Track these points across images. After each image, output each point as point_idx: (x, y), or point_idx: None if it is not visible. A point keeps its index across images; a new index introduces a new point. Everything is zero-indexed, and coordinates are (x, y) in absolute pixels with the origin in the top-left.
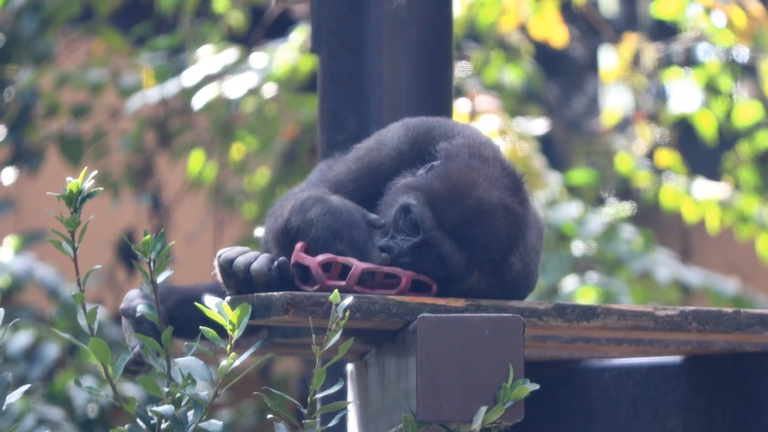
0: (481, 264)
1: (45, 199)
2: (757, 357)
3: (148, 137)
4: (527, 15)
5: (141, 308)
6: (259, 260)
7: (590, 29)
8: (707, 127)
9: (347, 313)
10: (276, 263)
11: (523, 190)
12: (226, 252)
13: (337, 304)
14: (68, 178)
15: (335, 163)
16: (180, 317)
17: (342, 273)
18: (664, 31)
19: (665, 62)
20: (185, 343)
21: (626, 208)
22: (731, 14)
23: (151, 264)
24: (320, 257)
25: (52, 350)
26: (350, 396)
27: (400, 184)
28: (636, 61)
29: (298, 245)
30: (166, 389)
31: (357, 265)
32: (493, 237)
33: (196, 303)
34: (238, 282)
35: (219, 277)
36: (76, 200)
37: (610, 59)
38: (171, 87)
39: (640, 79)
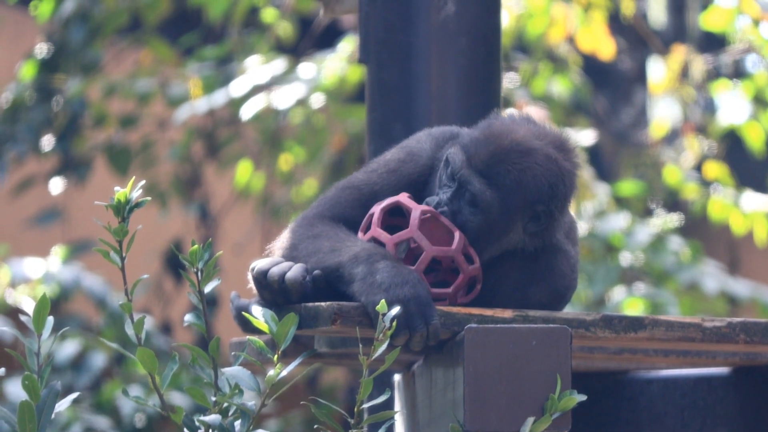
0: (520, 210)
1: (93, 208)
2: None
3: (195, 147)
4: (575, 27)
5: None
6: (293, 270)
7: (638, 41)
8: (755, 139)
9: (394, 323)
10: (310, 276)
11: (573, 153)
12: (259, 263)
13: (384, 314)
14: (116, 188)
15: (357, 175)
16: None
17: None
18: (713, 42)
19: (714, 74)
20: (232, 353)
21: (674, 219)
22: None
23: (199, 274)
24: (395, 238)
25: (99, 359)
26: (397, 406)
27: (446, 146)
28: (684, 72)
29: (376, 218)
30: (214, 399)
31: (428, 251)
32: (528, 178)
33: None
34: (273, 292)
35: (254, 289)
36: (124, 210)
37: (659, 71)
38: (219, 97)
39: (688, 90)
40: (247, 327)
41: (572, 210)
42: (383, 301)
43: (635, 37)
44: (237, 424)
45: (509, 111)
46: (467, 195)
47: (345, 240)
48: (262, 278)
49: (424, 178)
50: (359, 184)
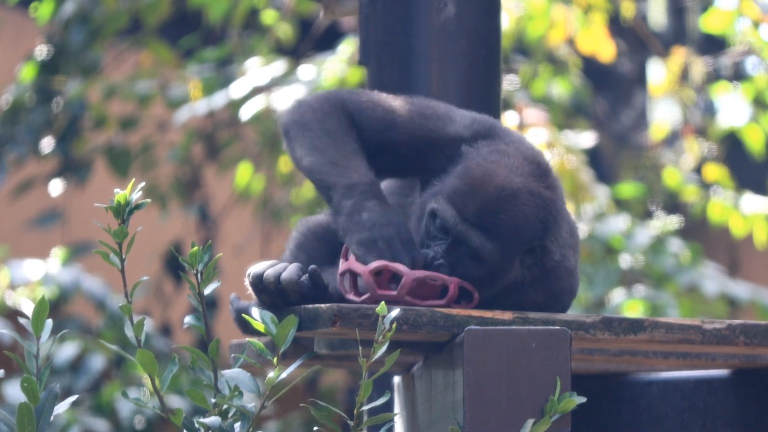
0: (519, 253)
1: (93, 210)
2: None
3: (195, 149)
4: (575, 29)
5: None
6: (288, 270)
7: (638, 43)
8: (755, 142)
9: (394, 326)
10: (306, 273)
11: (550, 176)
12: (254, 268)
13: (384, 316)
14: (116, 190)
15: (391, 96)
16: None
17: (392, 280)
18: (713, 44)
19: (713, 76)
20: (232, 355)
21: (674, 221)
22: None
23: (199, 276)
24: (373, 265)
25: (98, 362)
26: (397, 408)
27: (426, 195)
28: (684, 75)
29: (352, 256)
30: (213, 401)
31: (408, 275)
32: (522, 221)
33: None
34: (270, 295)
35: (252, 295)
36: (123, 212)
37: (659, 73)
38: (219, 99)
39: (688, 93)
40: (247, 329)
41: (572, 213)
42: (383, 303)
43: (635, 39)
44: (237, 426)
45: (509, 113)
46: (465, 249)
47: (349, 158)
48: (258, 282)
49: (443, 144)
50: (388, 104)
